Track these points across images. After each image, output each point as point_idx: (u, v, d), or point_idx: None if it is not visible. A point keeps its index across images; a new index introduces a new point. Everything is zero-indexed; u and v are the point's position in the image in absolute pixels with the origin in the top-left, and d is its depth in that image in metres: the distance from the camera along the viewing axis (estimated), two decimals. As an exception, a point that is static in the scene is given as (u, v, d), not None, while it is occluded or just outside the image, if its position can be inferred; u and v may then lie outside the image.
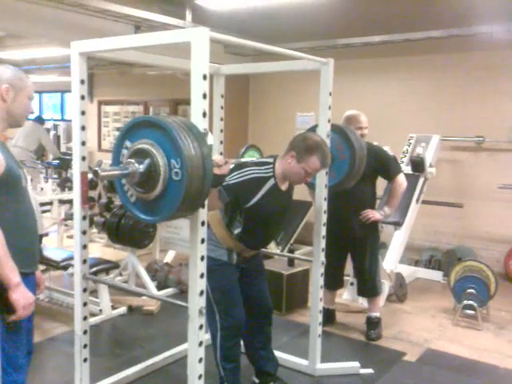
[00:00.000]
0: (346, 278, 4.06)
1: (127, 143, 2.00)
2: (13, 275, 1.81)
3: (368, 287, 3.81)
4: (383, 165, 3.68)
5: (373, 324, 3.81)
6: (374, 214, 3.65)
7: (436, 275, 5.31)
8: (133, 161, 1.91)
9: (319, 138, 2.63)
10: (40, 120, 7.84)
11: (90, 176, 2.94)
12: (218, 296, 2.62)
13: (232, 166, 2.49)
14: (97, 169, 1.92)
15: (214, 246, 2.59)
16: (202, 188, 1.88)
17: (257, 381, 2.99)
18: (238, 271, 2.74)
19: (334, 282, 3.84)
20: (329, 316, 3.87)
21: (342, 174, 3.17)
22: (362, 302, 4.25)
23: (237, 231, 2.61)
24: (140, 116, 2.17)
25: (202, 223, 2.07)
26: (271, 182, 2.60)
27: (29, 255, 1.99)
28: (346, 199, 3.48)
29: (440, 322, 4.15)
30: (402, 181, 3.68)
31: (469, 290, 4.07)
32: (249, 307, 2.78)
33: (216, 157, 2.15)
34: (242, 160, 3.03)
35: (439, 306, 4.48)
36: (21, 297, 1.84)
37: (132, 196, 2.03)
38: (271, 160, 2.67)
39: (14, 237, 1.87)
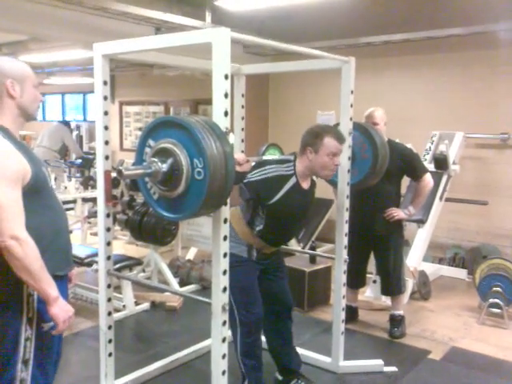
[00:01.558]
0: (368, 275, 4.03)
1: (150, 142, 2.02)
2: (51, 289, 1.75)
3: (392, 286, 3.78)
4: (410, 164, 3.64)
5: (396, 322, 3.78)
6: (398, 213, 3.63)
7: (460, 273, 5.25)
8: (156, 160, 1.92)
9: (323, 124, 2.71)
10: (65, 122, 8.02)
11: (112, 174, 2.98)
12: (236, 292, 2.61)
13: (253, 164, 2.51)
14: (121, 168, 1.91)
15: (234, 242, 2.59)
16: (224, 187, 1.88)
17: (280, 377, 3.00)
18: (258, 268, 2.75)
19: (356, 280, 3.82)
20: (351, 313, 3.86)
21: (364, 172, 3.16)
22: (385, 300, 4.23)
23: (259, 228, 2.63)
24: (163, 116, 2.19)
25: (225, 220, 2.08)
26: (293, 180, 2.61)
27: (65, 256, 1.96)
28: (369, 197, 3.47)
29: (465, 320, 4.10)
30: (428, 180, 3.65)
31: (495, 288, 4.01)
32: (269, 304, 2.79)
33: (238, 155, 2.17)
34: (264, 158, 3.05)
35: (464, 304, 4.43)
36: (60, 311, 1.78)
37: (155, 194, 2.05)
38: (292, 158, 2.68)
39: (50, 240, 1.85)
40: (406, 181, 3.94)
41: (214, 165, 1.82)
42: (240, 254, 2.66)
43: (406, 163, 3.63)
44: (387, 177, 3.49)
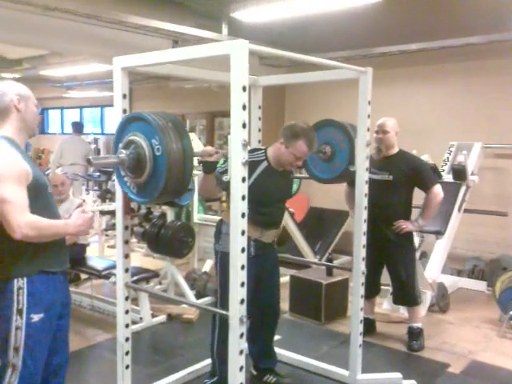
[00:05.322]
0: (386, 287, 3.98)
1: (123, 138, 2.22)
2: (64, 230, 2.03)
3: (406, 296, 3.75)
4: (419, 175, 3.62)
5: (414, 335, 3.73)
6: (407, 225, 3.61)
7: (479, 285, 5.16)
8: (123, 150, 2.15)
9: (305, 125, 2.78)
10: (78, 127, 7.84)
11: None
12: (225, 288, 2.63)
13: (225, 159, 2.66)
14: (89, 157, 2.11)
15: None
16: (183, 161, 2.08)
17: (254, 373, 3.12)
18: (254, 270, 2.74)
19: (368, 290, 3.78)
20: (369, 326, 3.81)
21: (345, 161, 3.21)
22: (403, 312, 4.17)
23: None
24: (128, 114, 2.38)
25: (242, 233, 2.08)
26: (264, 163, 2.81)
27: (54, 255, 2.09)
28: (378, 208, 3.44)
29: (485, 333, 4.03)
30: (437, 192, 3.61)
31: (515, 301, 3.94)
32: (257, 308, 2.86)
33: (207, 147, 2.55)
34: None
35: (483, 316, 4.35)
36: (75, 229, 2.05)
37: (134, 188, 2.24)
38: (263, 147, 2.90)
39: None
40: (421, 192, 3.90)
41: (168, 139, 2.05)
42: None
43: (415, 174, 3.61)
44: (395, 188, 3.52)
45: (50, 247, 2.04)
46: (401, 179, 3.56)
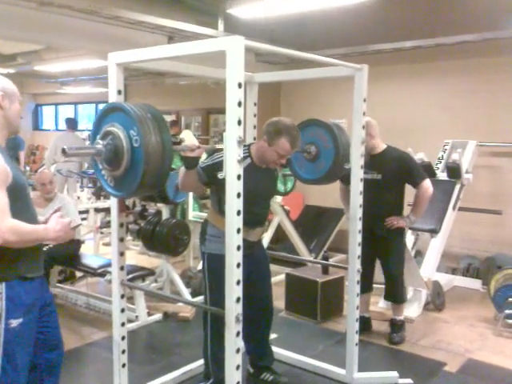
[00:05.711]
0: (380, 286, 3.98)
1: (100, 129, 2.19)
2: (42, 235, 1.98)
3: (396, 292, 3.79)
4: (407, 170, 3.63)
5: (397, 327, 3.79)
6: (398, 221, 3.63)
7: (474, 283, 5.17)
8: (100, 141, 2.11)
9: (289, 122, 2.70)
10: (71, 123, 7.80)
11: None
12: (215, 291, 2.65)
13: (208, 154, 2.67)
14: (64, 147, 2.06)
15: (219, 242, 2.59)
16: (162, 154, 2.04)
17: (251, 370, 3.11)
18: (244, 270, 2.73)
19: (361, 285, 3.79)
20: (364, 324, 3.81)
21: (331, 160, 3.18)
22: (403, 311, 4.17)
23: None
24: (105, 104, 2.33)
25: (238, 230, 2.07)
26: (247, 160, 2.69)
27: (33, 261, 2.04)
28: (369, 205, 3.44)
29: (480, 331, 4.03)
30: (427, 186, 3.62)
31: (511, 299, 3.95)
32: (251, 308, 2.81)
33: (188, 142, 2.48)
34: (218, 146, 3.12)
35: (479, 315, 4.36)
36: (54, 235, 1.99)
37: (111, 181, 2.20)
38: (246, 144, 2.82)
39: None
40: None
41: (146, 130, 2.01)
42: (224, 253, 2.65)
43: (403, 169, 3.62)
44: (385, 185, 3.53)
45: (29, 252, 1.99)
46: (389, 177, 3.58)
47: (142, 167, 2.01)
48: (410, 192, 3.79)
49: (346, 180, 3.72)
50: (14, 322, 1.95)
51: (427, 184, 3.63)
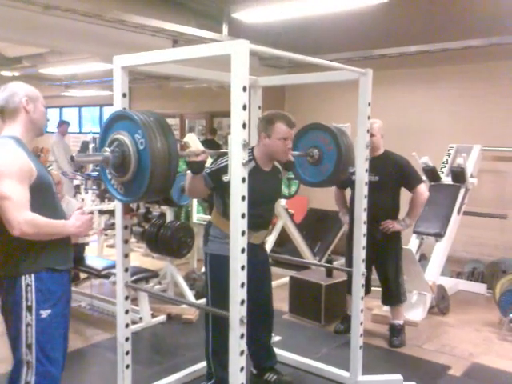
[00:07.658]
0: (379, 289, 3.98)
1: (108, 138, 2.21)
2: (64, 230, 2.06)
3: (392, 294, 3.80)
4: (403, 174, 3.67)
5: (396, 331, 3.79)
6: (393, 225, 3.66)
7: (479, 288, 5.15)
8: (107, 148, 2.12)
9: (275, 111, 2.79)
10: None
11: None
12: (215, 291, 2.69)
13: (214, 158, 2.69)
14: (73, 155, 2.17)
15: (221, 243, 2.68)
16: (168, 157, 2.05)
17: (254, 371, 3.11)
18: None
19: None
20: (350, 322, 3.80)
21: (334, 162, 3.15)
22: (403, 315, 4.16)
23: None
24: (113, 112, 2.33)
25: (242, 233, 2.07)
26: (251, 164, 2.69)
27: (61, 253, 2.13)
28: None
29: (485, 335, 4.02)
30: (422, 191, 3.67)
31: (515, 304, 3.94)
32: (251, 310, 2.78)
33: (193, 147, 2.53)
34: (222, 151, 3.13)
35: (483, 319, 4.34)
36: (75, 230, 2.08)
37: (121, 189, 2.21)
38: (250, 147, 2.81)
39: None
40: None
41: (151, 132, 2.02)
42: (227, 254, 2.65)
43: (400, 174, 3.66)
44: (382, 188, 3.55)
45: (57, 245, 2.07)
46: (387, 179, 3.63)
47: (149, 169, 2.02)
48: (405, 196, 3.80)
49: (341, 184, 3.75)
50: (44, 313, 2.04)
51: (422, 188, 3.68)
